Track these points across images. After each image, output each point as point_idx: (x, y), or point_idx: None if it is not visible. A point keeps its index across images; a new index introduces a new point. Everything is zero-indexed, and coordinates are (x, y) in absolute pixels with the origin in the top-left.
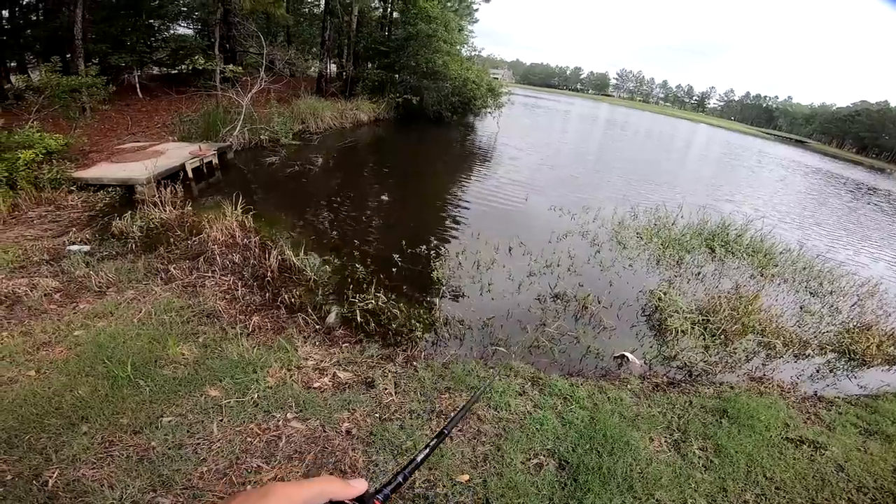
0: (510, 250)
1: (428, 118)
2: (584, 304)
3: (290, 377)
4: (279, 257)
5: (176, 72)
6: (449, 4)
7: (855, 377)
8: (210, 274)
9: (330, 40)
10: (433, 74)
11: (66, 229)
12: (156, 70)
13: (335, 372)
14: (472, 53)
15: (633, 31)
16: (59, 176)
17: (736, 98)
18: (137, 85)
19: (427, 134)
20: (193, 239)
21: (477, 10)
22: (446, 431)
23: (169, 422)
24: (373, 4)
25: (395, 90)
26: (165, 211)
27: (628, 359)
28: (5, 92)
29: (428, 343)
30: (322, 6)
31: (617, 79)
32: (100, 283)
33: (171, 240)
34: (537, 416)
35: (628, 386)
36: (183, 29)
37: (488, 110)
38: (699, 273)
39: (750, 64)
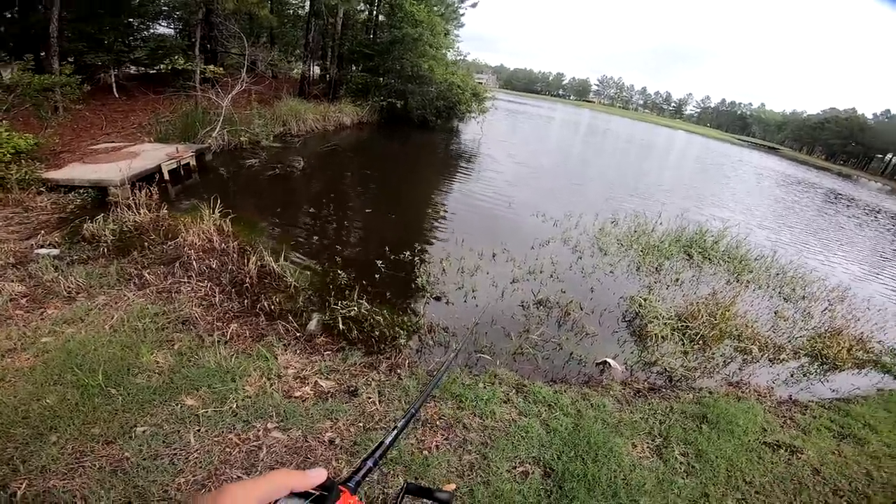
0: (494, 256)
1: (412, 122)
2: (566, 310)
3: (271, 386)
4: (258, 263)
5: (154, 72)
6: (436, 9)
7: (827, 381)
8: (186, 280)
9: (314, 42)
10: (418, 78)
11: (35, 232)
12: (134, 70)
13: (317, 381)
14: (458, 58)
15: (616, 35)
16: (27, 176)
17: (712, 105)
18: (114, 84)
19: (411, 138)
20: (169, 243)
21: (463, 14)
22: (413, 411)
23: (143, 432)
24: (359, 7)
25: (379, 93)
26: (140, 214)
27: (610, 365)
28: None
29: (412, 350)
30: (307, 8)
31: (598, 85)
32: (69, 287)
33: (146, 244)
34: (522, 424)
35: (611, 392)
36: (164, 28)
37: (472, 115)
38: (677, 279)
39: (726, 71)
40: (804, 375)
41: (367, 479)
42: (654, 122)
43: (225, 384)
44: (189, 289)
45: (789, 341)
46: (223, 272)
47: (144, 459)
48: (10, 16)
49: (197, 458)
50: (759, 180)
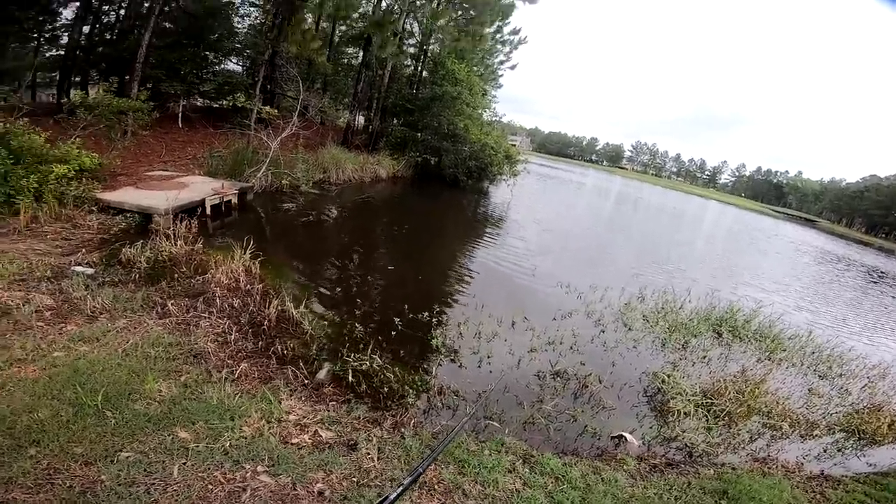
0: (513, 324)
1: (444, 180)
2: (584, 382)
3: (269, 429)
4: (279, 307)
5: (217, 106)
6: (476, 69)
7: (864, 455)
8: (207, 315)
9: (362, 92)
10: (453, 136)
11: (76, 249)
12: (200, 102)
13: (317, 430)
14: (493, 118)
15: (651, 100)
16: (84, 195)
17: (747, 173)
18: (180, 114)
19: (442, 196)
20: (198, 278)
21: (502, 75)
22: (421, 470)
23: (127, 457)
24: (406, 62)
25: (416, 148)
26: (176, 245)
27: (626, 439)
28: (62, 106)
29: (419, 410)
30: (360, 59)
31: (631, 151)
32: (94, 307)
33: (176, 275)
34: (525, 496)
35: (625, 467)
36: (233, 65)
37: (503, 177)
38: (705, 357)
39: (761, 137)
40: (838, 451)
41: None
42: (686, 192)
43: (223, 421)
44: (208, 324)
45: (823, 417)
46: (244, 312)
47: (119, 485)
48: (109, 37)
49: (175, 491)
50: (797, 256)
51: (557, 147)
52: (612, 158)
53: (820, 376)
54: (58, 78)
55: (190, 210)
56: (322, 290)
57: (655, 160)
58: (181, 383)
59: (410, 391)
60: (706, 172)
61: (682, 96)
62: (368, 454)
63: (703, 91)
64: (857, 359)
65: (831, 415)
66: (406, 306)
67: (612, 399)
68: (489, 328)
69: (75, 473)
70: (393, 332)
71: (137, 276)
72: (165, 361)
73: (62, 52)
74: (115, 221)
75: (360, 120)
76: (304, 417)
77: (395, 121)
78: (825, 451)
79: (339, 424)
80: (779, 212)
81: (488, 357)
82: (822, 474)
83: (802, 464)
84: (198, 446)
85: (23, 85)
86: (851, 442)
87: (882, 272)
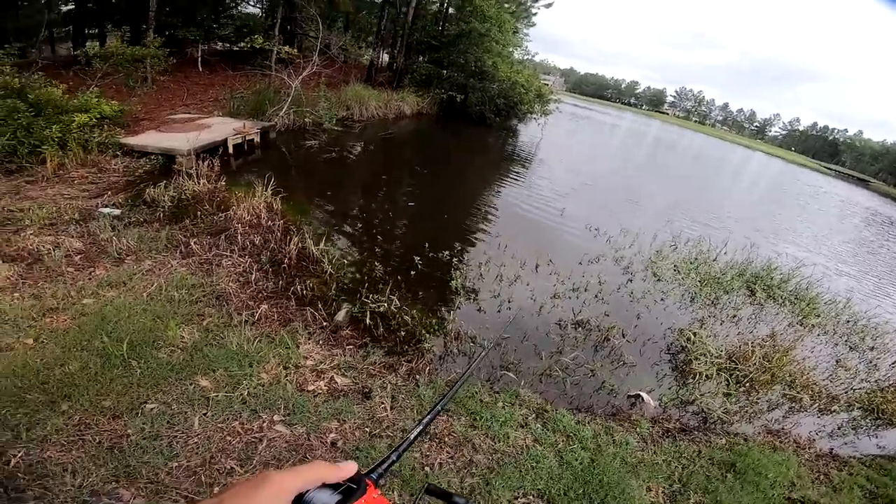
0: (537, 268)
1: (470, 117)
2: (606, 335)
3: (286, 376)
4: (299, 244)
5: (237, 49)
6: (507, 5)
7: (876, 436)
8: (228, 253)
9: (385, 30)
10: (481, 74)
11: (103, 191)
12: (219, 46)
13: (333, 376)
14: (525, 57)
15: (697, 49)
16: (107, 140)
17: (801, 128)
18: (199, 59)
19: (467, 133)
20: (220, 215)
21: (536, 13)
22: (440, 408)
23: (151, 409)
24: None
25: (441, 86)
26: (199, 184)
27: (643, 399)
28: (77, 58)
29: (434, 356)
30: None
31: (674, 97)
32: (120, 249)
33: (199, 213)
34: (534, 453)
35: (637, 429)
36: (252, 8)
37: (534, 116)
38: (735, 315)
39: (823, 93)
40: (853, 429)
41: (389, 471)
42: (730, 140)
43: (242, 368)
44: (230, 263)
45: (845, 392)
46: (265, 249)
47: (144, 439)
48: None
49: (196, 443)
50: (846, 216)
51: (593, 88)
52: (653, 103)
53: (851, 347)
54: (72, 31)
55: (212, 150)
56: (343, 227)
57: (700, 107)
58: (203, 328)
59: (427, 335)
60: (755, 124)
61: (736, 44)
62: (382, 403)
63: (766, 40)
64: (894, 332)
65: (854, 390)
66: (427, 245)
67: (633, 355)
68: (511, 271)
69: (104, 428)
70: (412, 272)
71: (162, 214)
72: (188, 304)
73: (73, 6)
74: (139, 164)
75: (385, 58)
76: (321, 363)
77: (421, 58)
78: (839, 429)
79: (354, 370)
80: (830, 169)
81: (509, 302)
82: (831, 453)
83: (814, 440)
84: (217, 395)
85: (39, 40)
86: (868, 421)
87: None
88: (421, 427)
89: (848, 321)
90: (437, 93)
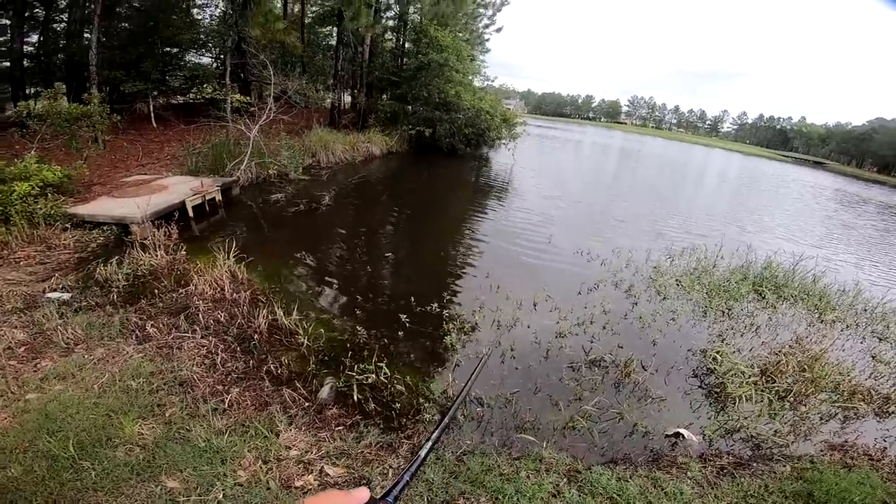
0: (535, 306)
1: (441, 150)
2: (625, 371)
3: (267, 472)
4: (269, 317)
5: (192, 101)
6: (461, 35)
7: None
8: (190, 334)
9: (344, 70)
10: (446, 105)
11: (52, 273)
12: (177, 100)
13: (323, 466)
14: (485, 83)
15: (643, 58)
16: (53, 211)
17: (749, 121)
18: (152, 114)
19: (440, 167)
20: (180, 291)
21: (489, 39)
22: (447, 420)
23: None
24: (385, 35)
25: (408, 121)
26: (157, 256)
27: (683, 436)
28: (9, 119)
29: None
30: (335, 37)
31: (628, 105)
32: (68, 338)
33: (157, 291)
34: None
35: (688, 473)
36: (206, 58)
37: (503, 141)
38: (752, 324)
39: (761, 87)
40: None
41: (404, 493)
42: (689, 142)
43: (213, 467)
44: (192, 345)
45: (895, 388)
46: (231, 326)
47: None
48: (59, 44)
49: None
50: (823, 202)
51: (553, 107)
52: (610, 114)
53: (879, 338)
54: (10, 91)
55: (169, 215)
56: (318, 289)
57: (654, 113)
58: (165, 420)
59: (426, 404)
60: (707, 122)
61: (675, 52)
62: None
63: (695, 47)
64: None
65: None
66: (412, 298)
67: (659, 387)
68: (508, 313)
69: None
70: (400, 332)
71: (115, 296)
72: (147, 395)
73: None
74: (92, 237)
75: (347, 99)
76: (306, 452)
77: (384, 96)
78: None
79: (347, 457)
80: (786, 156)
81: (511, 350)
82: None
83: (885, 448)
84: (189, 499)
85: None
86: None
87: None
88: (431, 443)
89: (865, 310)
90: (404, 129)
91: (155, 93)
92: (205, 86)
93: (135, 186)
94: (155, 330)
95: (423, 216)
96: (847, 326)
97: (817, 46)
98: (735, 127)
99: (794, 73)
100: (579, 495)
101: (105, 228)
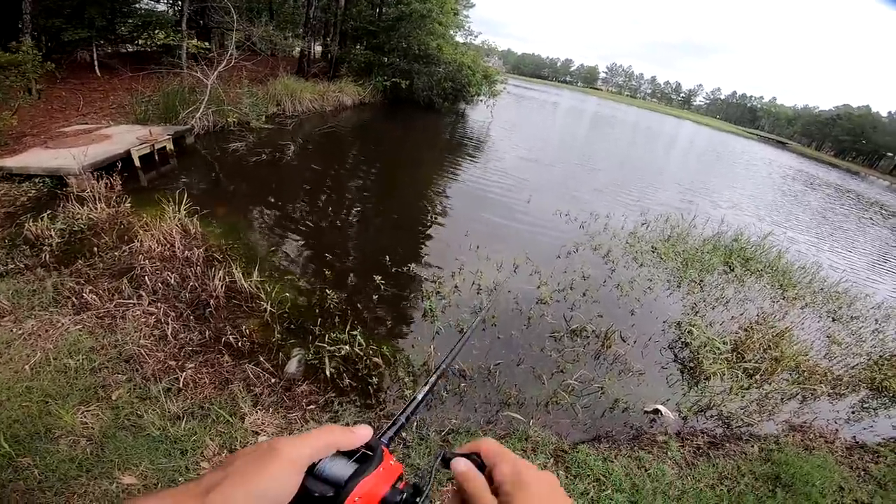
0: (516, 269)
1: (417, 104)
2: (606, 342)
3: None
4: (226, 279)
5: (143, 49)
6: None
7: (889, 417)
8: (135, 300)
9: (315, 18)
10: (426, 58)
11: None
12: (130, 48)
13: None
14: (468, 38)
15: (627, 25)
16: None
17: (722, 97)
18: (95, 62)
19: (416, 121)
20: (123, 249)
21: None
22: (445, 367)
23: None
24: None
25: (383, 73)
26: (97, 209)
27: (661, 413)
28: None
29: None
30: None
31: (606, 72)
32: None
33: (96, 249)
34: None
35: (668, 453)
36: (162, 6)
37: (482, 98)
38: (722, 297)
39: (738, 64)
40: (864, 411)
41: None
42: (662, 112)
43: (172, 459)
44: (138, 313)
45: (846, 371)
46: (183, 289)
47: None
48: None
49: None
50: (789, 183)
51: (531, 68)
52: (587, 80)
53: (833, 318)
54: None
55: (114, 165)
56: (282, 247)
57: (630, 82)
58: (111, 405)
59: (406, 377)
60: (681, 95)
61: (660, 22)
62: None
63: (681, 17)
64: (863, 297)
65: (853, 367)
66: (387, 258)
67: (637, 360)
68: (489, 276)
69: None
70: (375, 296)
71: (48, 256)
72: (88, 375)
73: None
74: (21, 190)
75: (318, 49)
76: (276, 437)
77: (358, 46)
78: (854, 414)
79: None
80: (752, 133)
81: (493, 318)
82: (859, 443)
83: (837, 430)
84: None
85: None
86: (877, 402)
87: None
88: (428, 387)
89: (822, 289)
90: (378, 80)
91: (101, 41)
92: (157, 32)
93: (73, 136)
94: (94, 297)
95: (397, 169)
96: (806, 305)
97: (799, 30)
98: (707, 101)
99: (772, 54)
100: (567, 476)
101: (37, 181)
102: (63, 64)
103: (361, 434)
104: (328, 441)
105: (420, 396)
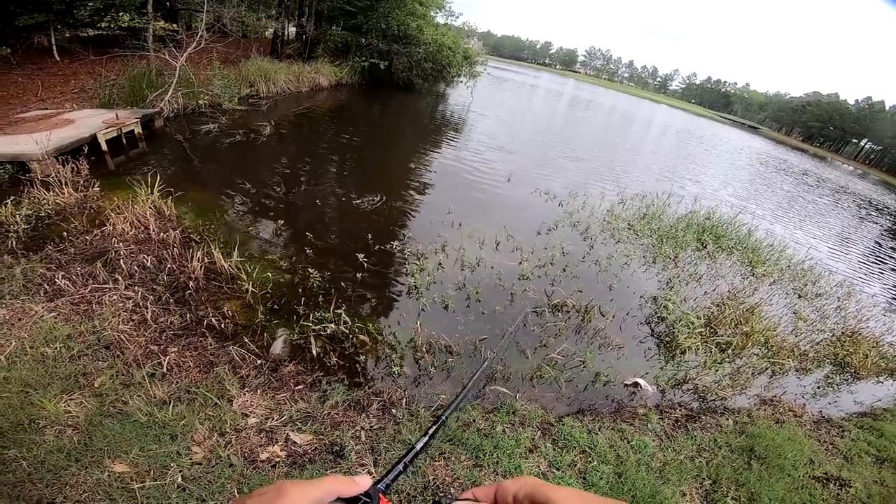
0: (497, 245)
1: (396, 85)
2: (586, 317)
3: (226, 445)
4: (205, 260)
5: (105, 33)
6: None
7: (851, 392)
8: (112, 285)
9: (289, 0)
10: (405, 38)
11: None
12: (90, 32)
13: (288, 434)
14: (448, 19)
15: (606, 10)
16: None
17: (697, 82)
18: (54, 46)
19: (395, 102)
20: (95, 233)
21: None
22: (444, 418)
23: None
24: None
25: (360, 53)
26: (64, 194)
27: (641, 385)
28: None
29: (408, 380)
30: None
31: (585, 56)
32: None
33: (65, 234)
34: (554, 481)
35: (648, 426)
36: None
37: (462, 79)
38: (695, 273)
39: (713, 50)
40: (828, 386)
41: (396, 483)
42: (637, 96)
43: (162, 445)
44: (115, 298)
45: (812, 347)
46: (160, 272)
47: None
48: None
49: None
50: (760, 168)
51: (511, 50)
52: (566, 62)
53: (799, 295)
54: None
55: (78, 149)
56: (261, 227)
57: (608, 66)
58: (94, 393)
59: (393, 354)
60: (657, 79)
61: (636, 9)
62: (362, 463)
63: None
64: (826, 274)
65: (818, 343)
66: (370, 235)
67: (616, 334)
68: (472, 252)
69: None
70: (359, 274)
71: (14, 242)
72: (67, 363)
73: None
74: None
75: (292, 30)
76: (266, 419)
77: (334, 27)
78: (819, 389)
79: (313, 420)
80: (725, 118)
81: (477, 293)
82: (825, 418)
83: (804, 405)
84: (144, 485)
85: None
86: (840, 377)
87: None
88: (427, 437)
89: (789, 266)
90: (356, 61)
91: (59, 25)
92: (121, 14)
93: (34, 122)
94: (67, 282)
95: (377, 149)
96: (774, 282)
97: (774, 18)
98: (683, 86)
99: (747, 40)
100: (554, 448)
101: None
102: (19, 49)
103: (362, 483)
104: (332, 489)
105: (419, 446)
